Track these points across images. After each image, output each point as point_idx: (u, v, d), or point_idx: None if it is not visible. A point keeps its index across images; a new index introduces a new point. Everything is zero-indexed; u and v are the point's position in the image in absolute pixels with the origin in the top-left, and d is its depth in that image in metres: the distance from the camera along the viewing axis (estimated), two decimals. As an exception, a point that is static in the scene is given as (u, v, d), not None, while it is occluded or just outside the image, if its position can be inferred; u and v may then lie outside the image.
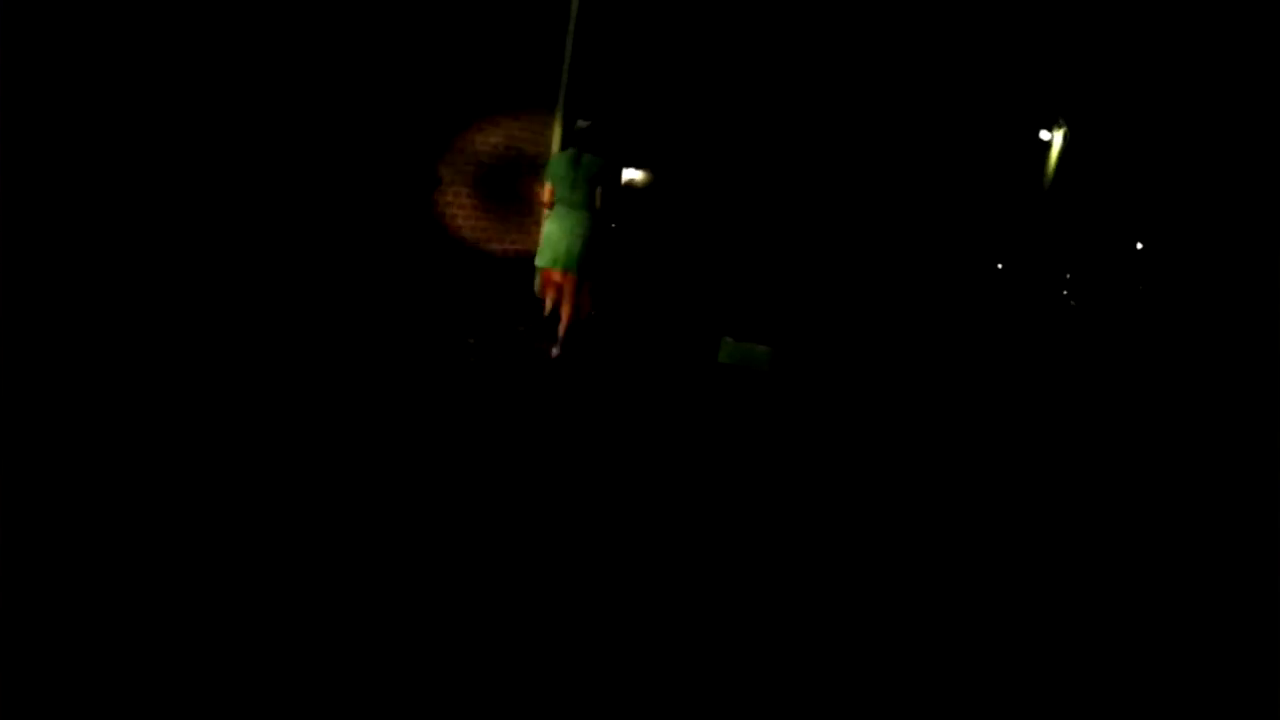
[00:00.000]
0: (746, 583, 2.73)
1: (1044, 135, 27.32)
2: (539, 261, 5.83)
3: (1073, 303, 22.45)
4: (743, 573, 2.80)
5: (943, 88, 23.78)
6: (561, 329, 5.91)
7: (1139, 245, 24.49)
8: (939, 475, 4.26)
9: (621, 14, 9.03)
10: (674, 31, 10.16)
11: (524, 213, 8.37)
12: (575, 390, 4.98)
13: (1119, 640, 2.70)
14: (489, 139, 7.73)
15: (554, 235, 5.75)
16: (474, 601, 2.40)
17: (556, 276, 5.87)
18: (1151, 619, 2.90)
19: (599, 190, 5.66)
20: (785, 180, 14.05)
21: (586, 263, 5.71)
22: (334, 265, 6.79)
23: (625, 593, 2.57)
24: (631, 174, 12.07)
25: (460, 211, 7.67)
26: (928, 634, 2.57)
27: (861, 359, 7.63)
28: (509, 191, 8.06)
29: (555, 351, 5.95)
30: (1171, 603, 3.06)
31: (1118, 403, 7.30)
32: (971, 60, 25.54)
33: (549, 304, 6.02)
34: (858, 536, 3.27)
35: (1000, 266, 27.73)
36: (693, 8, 10.37)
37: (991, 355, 9.66)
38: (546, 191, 5.78)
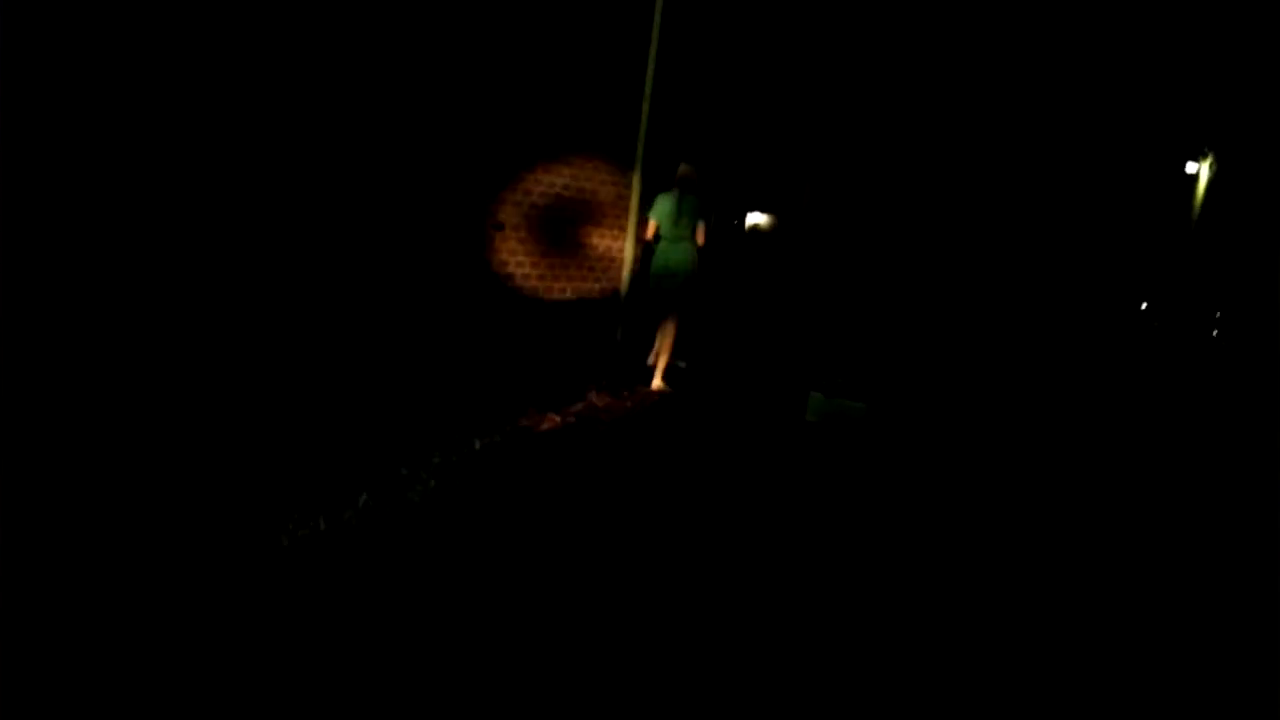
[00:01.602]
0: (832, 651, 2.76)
1: (1190, 168, 25.98)
2: (650, 297, 6.75)
3: (1223, 343, 21.11)
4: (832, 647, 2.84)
5: (1082, 120, 22.97)
6: (662, 363, 6.75)
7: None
8: (1069, 560, 4.15)
9: (700, 63, 9.24)
10: (765, 72, 10.25)
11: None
12: (652, 451, 5.06)
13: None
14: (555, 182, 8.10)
15: (660, 263, 6.64)
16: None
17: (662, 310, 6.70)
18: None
19: (700, 225, 6.49)
20: (900, 217, 13.84)
21: (684, 290, 6.57)
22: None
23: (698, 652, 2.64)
24: (756, 218, 12.19)
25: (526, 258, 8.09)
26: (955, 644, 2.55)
27: (978, 416, 7.36)
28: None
29: (656, 385, 6.73)
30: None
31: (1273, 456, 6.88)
32: (1113, 92, 24.58)
33: (657, 341, 6.86)
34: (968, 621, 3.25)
35: (1145, 306, 26.37)
36: (789, 49, 10.44)
37: (1133, 404, 9.22)
38: (650, 228, 6.71)
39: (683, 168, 6.62)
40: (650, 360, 6.92)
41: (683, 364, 7.62)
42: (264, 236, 5.82)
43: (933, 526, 4.16)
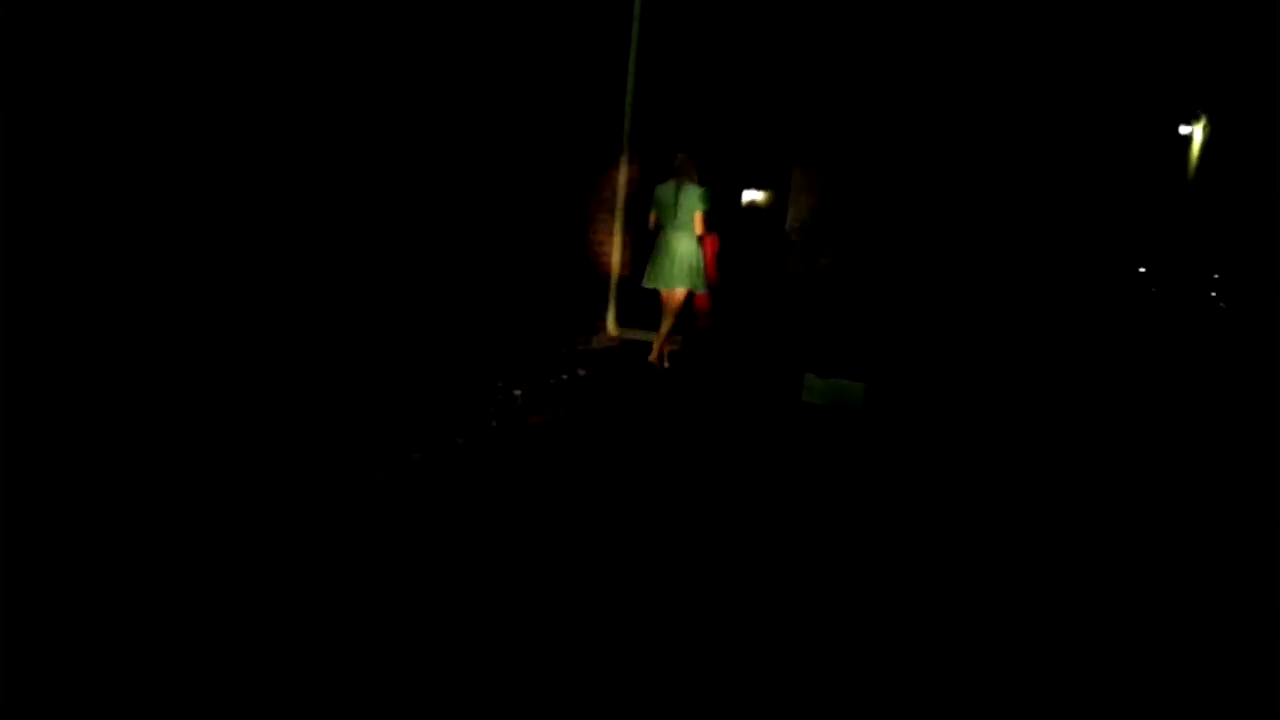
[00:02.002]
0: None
1: (1183, 129, 25.80)
2: (647, 284, 6.84)
3: (1223, 305, 20.96)
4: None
5: (1071, 81, 22.73)
6: (660, 341, 6.87)
7: (1296, 241, 22.69)
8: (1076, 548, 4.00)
9: (684, 43, 9.09)
10: (753, 47, 10.06)
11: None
12: (640, 440, 4.94)
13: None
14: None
15: (659, 257, 6.68)
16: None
17: (664, 295, 6.80)
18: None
19: (699, 214, 6.52)
20: (888, 181, 13.65)
21: (691, 279, 6.65)
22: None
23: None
24: (753, 195, 12.04)
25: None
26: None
27: (978, 392, 7.23)
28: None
29: (653, 358, 6.85)
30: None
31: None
32: (1103, 55, 24.36)
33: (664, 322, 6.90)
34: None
35: (1142, 270, 26.22)
36: (777, 22, 10.24)
37: (1134, 374, 9.08)
38: (652, 219, 6.74)
39: (680, 157, 6.65)
40: (651, 358, 6.93)
41: (676, 346, 7.51)
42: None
43: (930, 515, 4.03)
